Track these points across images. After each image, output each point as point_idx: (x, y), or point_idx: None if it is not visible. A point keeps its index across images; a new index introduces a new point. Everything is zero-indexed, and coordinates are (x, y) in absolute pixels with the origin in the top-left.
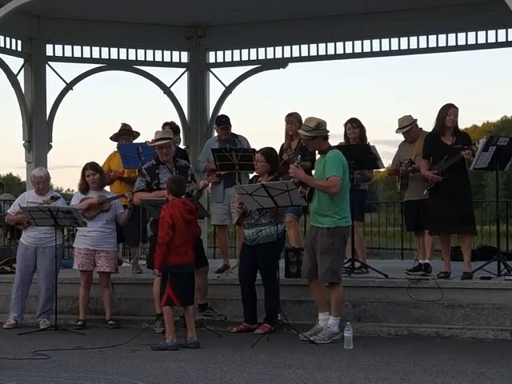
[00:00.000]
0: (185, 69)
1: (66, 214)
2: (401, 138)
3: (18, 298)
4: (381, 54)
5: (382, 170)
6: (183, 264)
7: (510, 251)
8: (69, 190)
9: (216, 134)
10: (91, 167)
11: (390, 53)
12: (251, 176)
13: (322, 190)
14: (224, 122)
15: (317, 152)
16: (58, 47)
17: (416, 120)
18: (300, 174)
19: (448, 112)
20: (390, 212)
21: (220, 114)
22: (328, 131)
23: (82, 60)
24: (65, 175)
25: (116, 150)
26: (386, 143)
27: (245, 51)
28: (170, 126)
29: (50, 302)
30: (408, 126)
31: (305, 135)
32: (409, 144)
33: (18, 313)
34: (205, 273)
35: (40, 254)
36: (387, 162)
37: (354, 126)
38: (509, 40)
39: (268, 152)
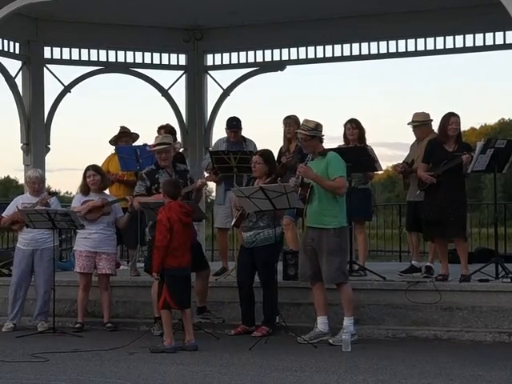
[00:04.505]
0: (183, 71)
1: (64, 216)
2: (401, 139)
3: (16, 301)
4: (379, 56)
5: (380, 172)
6: (180, 267)
7: (508, 254)
8: (67, 192)
9: (225, 134)
10: (93, 168)
11: (388, 55)
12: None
13: (332, 190)
14: (235, 125)
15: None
16: (56, 50)
17: (430, 120)
18: (310, 173)
19: (449, 121)
20: (387, 214)
21: (232, 116)
22: (323, 135)
23: (79, 62)
24: (63, 178)
25: (114, 152)
26: (385, 145)
27: (242, 54)
28: (164, 128)
29: (47, 304)
30: (418, 121)
31: (304, 134)
32: (417, 143)
33: (14, 315)
34: (205, 276)
35: (37, 256)
36: (385, 164)
37: (354, 127)
38: (506, 42)
39: (265, 154)
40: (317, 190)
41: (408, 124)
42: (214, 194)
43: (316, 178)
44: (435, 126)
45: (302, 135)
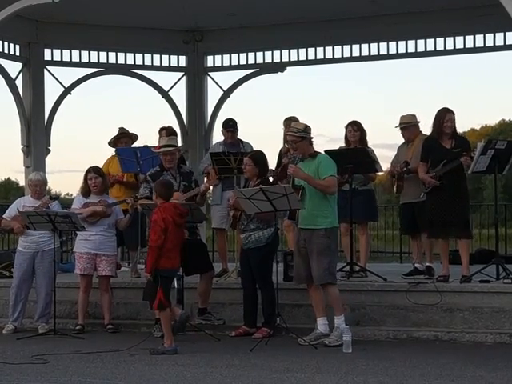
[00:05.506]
0: (183, 73)
1: (65, 218)
2: (400, 140)
3: (17, 303)
4: (379, 57)
5: (380, 173)
6: (174, 268)
7: (509, 254)
8: (67, 194)
9: (222, 137)
10: (94, 170)
11: (388, 56)
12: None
13: (322, 189)
14: (231, 125)
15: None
16: (57, 52)
17: (418, 121)
18: (300, 173)
19: (445, 119)
20: (388, 216)
21: (228, 117)
22: (313, 137)
23: (80, 64)
24: (63, 180)
25: (114, 153)
26: (384, 147)
27: (243, 55)
28: (166, 130)
29: (49, 307)
30: (406, 123)
31: (294, 136)
32: (406, 145)
33: (15, 317)
34: (209, 278)
35: (38, 258)
36: (386, 165)
37: (355, 129)
38: (507, 43)
39: (255, 155)
40: (308, 192)
41: (396, 127)
42: None
43: (306, 177)
44: (425, 126)
45: (291, 137)
